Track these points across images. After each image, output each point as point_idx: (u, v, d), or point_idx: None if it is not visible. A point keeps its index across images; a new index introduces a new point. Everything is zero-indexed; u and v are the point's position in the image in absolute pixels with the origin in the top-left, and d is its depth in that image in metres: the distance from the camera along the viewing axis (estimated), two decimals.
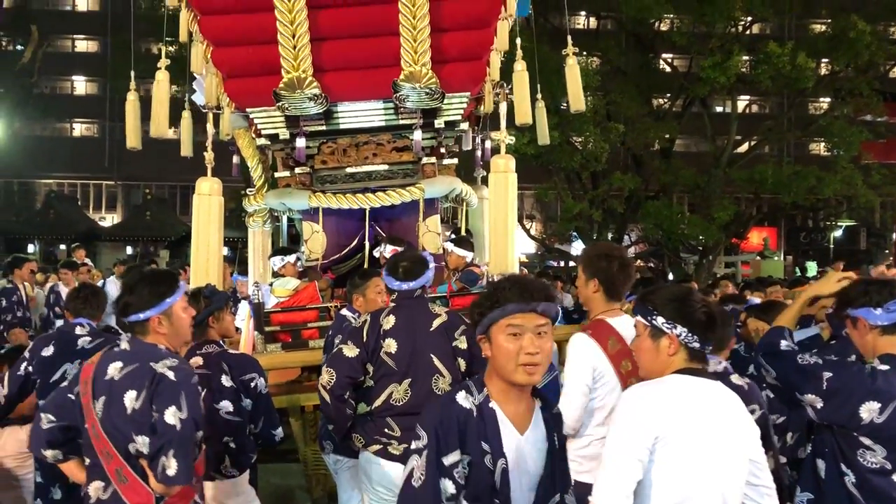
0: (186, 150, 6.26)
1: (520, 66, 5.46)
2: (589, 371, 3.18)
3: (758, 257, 24.24)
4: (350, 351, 3.55)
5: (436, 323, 3.58)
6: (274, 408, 3.86)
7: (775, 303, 4.49)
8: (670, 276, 18.04)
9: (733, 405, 2.40)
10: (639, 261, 23.44)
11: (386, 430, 3.51)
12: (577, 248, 23.38)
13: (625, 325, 3.23)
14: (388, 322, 3.58)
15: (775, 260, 25.33)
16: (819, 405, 2.73)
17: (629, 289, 3.45)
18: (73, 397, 2.84)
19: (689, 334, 2.39)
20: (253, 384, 3.67)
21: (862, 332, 2.86)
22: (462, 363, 3.58)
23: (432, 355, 3.52)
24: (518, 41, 5.60)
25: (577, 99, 5.62)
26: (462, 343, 3.56)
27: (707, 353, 2.43)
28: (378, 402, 3.52)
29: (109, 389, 2.76)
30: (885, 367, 2.73)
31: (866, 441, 2.69)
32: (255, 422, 3.70)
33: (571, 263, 20.17)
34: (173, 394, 2.69)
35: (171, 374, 2.73)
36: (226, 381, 3.57)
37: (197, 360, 3.54)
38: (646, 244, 23.10)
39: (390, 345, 3.53)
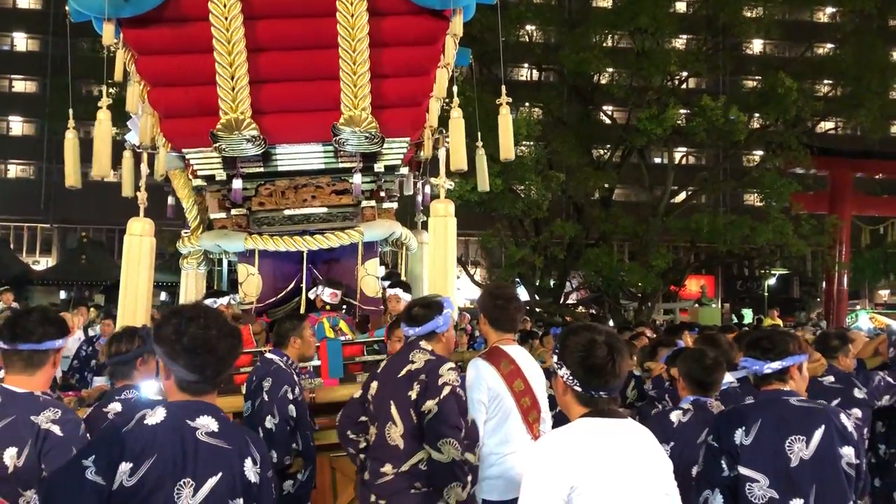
0: (128, 190, 6.13)
1: (456, 114, 5.52)
2: (484, 388, 3.59)
3: (696, 304, 24.76)
4: (357, 392, 3.65)
5: (404, 370, 3.44)
6: None
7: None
8: (611, 322, 18.24)
9: (645, 442, 2.39)
10: (580, 307, 23.70)
11: (367, 472, 3.52)
12: (520, 294, 23.53)
13: (516, 352, 3.73)
14: (382, 365, 3.62)
15: (713, 307, 25.87)
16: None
17: (512, 322, 3.80)
18: None
19: (571, 377, 2.36)
20: None
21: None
22: (412, 414, 3.36)
23: (391, 401, 3.42)
24: (455, 89, 5.69)
25: (507, 148, 5.69)
26: (414, 393, 3.36)
27: (598, 399, 2.34)
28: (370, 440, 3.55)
29: None
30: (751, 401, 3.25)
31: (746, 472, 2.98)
32: None
33: None
34: (64, 451, 2.54)
35: (57, 430, 2.59)
36: None
37: (115, 406, 3.39)
38: (587, 291, 23.38)
39: (374, 387, 3.54)
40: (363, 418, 3.56)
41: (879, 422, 4.72)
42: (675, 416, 3.58)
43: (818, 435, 2.97)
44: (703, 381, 3.59)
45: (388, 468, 3.38)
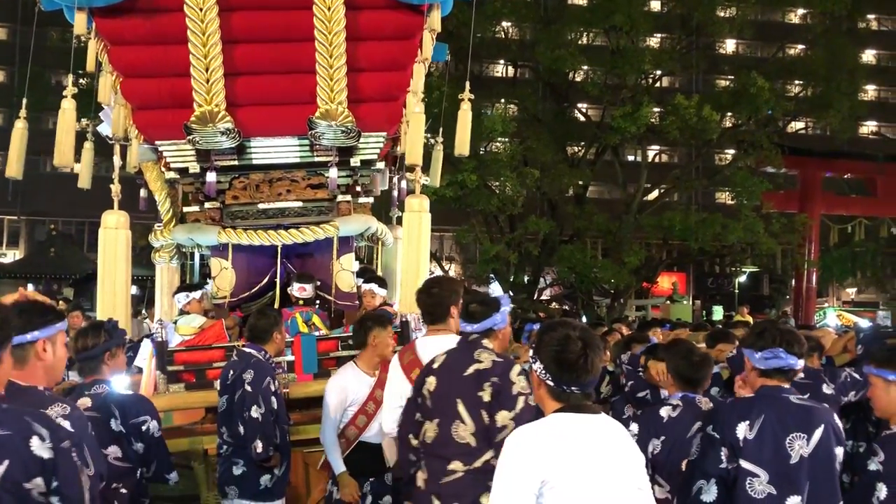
0: (84, 181, 6.03)
1: (418, 108, 5.47)
2: (397, 384, 3.80)
3: (667, 301, 24.97)
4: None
5: (471, 368, 3.35)
6: (167, 451, 3.70)
7: (675, 342, 4.58)
8: (584, 319, 18.34)
9: (618, 437, 2.41)
10: (554, 303, 23.81)
11: (423, 473, 3.41)
12: (494, 289, 23.59)
13: (429, 343, 3.78)
14: (438, 361, 3.50)
15: (684, 304, 26.12)
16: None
17: (429, 315, 3.85)
18: None
19: (544, 371, 2.38)
20: (144, 427, 3.50)
21: (747, 370, 3.28)
22: (484, 415, 3.28)
23: (458, 399, 3.32)
24: (420, 83, 5.67)
25: (462, 143, 5.65)
26: (486, 395, 3.28)
27: (570, 394, 2.36)
28: (421, 438, 3.46)
29: None
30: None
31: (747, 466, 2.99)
32: (147, 466, 3.54)
33: None
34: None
35: (68, 425, 2.48)
36: (114, 424, 3.40)
37: (85, 401, 3.35)
38: (561, 287, 23.50)
39: (431, 382, 3.44)
40: (418, 416, 3.48)
41: (843, 419, 4.79)
42: (664, 412, 3.57)
43: (818, 434, 3.02)
44: (691, 377, 3.60)
45: (457, 465, 3.26)
